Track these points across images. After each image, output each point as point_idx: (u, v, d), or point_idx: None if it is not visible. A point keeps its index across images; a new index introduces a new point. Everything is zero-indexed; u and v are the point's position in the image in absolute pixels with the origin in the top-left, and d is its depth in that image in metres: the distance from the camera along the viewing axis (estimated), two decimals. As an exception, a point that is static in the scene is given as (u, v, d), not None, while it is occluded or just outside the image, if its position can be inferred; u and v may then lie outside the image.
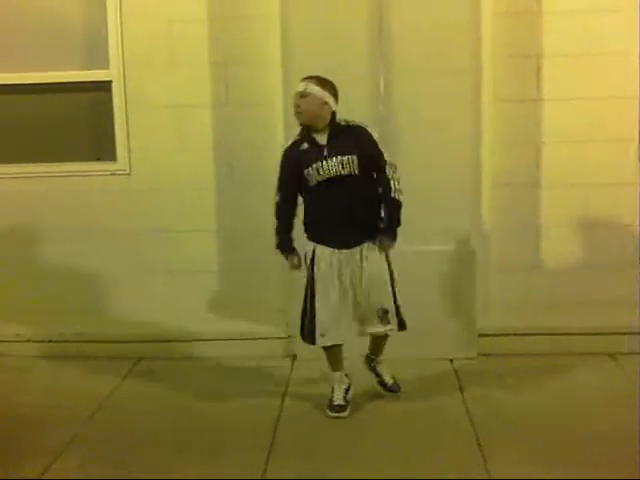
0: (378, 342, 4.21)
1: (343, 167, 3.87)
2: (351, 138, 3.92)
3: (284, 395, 4.38)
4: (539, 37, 4.92)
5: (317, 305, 3.97)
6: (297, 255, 4.08)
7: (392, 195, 3.92)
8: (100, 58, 5.14)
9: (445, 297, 4.82)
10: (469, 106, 4.73)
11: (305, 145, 3.94)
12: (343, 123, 3.95)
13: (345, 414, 4.07)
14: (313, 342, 4.04)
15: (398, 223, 3.96)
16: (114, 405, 4.32)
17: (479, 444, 3.66)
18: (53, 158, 5.27)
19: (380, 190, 3.95)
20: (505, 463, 3.45)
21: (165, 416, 4.15)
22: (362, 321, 4.05)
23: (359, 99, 4.70)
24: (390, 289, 4.00)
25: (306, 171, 3.91)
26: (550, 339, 4.83)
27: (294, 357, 4.95)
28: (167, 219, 5.26)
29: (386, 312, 4.00)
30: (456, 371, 4.66)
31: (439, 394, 4.33)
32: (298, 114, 3.91)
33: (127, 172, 5.23)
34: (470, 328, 4.86)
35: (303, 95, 3.88)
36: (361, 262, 3.96)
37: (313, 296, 3.98)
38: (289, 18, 4.77)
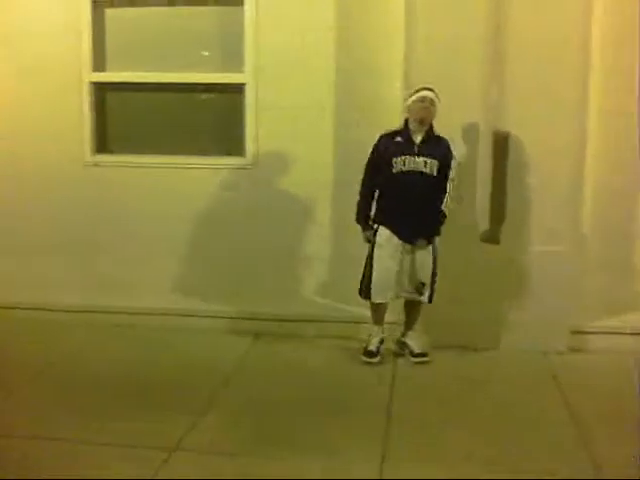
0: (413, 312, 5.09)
1: (425, 166, 4.77)
2: (439, 146, 4.83)
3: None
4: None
5: (374, 270, 4.87)
6: (371, 230, 4.97)
7: (441, 207, 4.81)
8: (236, 63, 5.68)
9: (544, 294, 5.21)
10: (575, 117, 5.11)
11: (399, 138, 4.84)
12: (435, 133, 4.85)
13: (375, 360, 5.01)
14: (369, 297, 4.94)
15: (438, 232, 4.90)
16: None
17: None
18: (188, 151, 5.85)
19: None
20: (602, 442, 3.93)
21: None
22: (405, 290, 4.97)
23: (471, 108, 5.15)
24: (430, 270, 4.89)
25: (394, 159, 4.77)
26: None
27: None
28: (287, 209, 5.75)
29: (423, 285, 4.89)
30: (550, 363, 5.10)
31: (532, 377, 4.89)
32: (425, 117, 4.79)
33: (254, 166, 5.75)
34: (563, 324, 5.24)
35: (432, 104, 4.77)
36: (413, 249, 4.90)
37: (372, 264, 4.88)
38: (413, 31, 5.22)
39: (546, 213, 5.17)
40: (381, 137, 4.88)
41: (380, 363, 5.05)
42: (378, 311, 5.09)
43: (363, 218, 5.00)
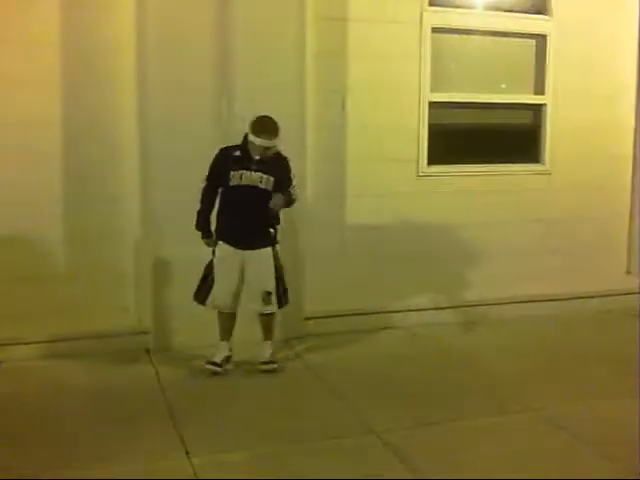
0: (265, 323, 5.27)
1: (261, 181, 4.95)
2: (277, 164, 5.01)
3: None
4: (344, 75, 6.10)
5: (215, 282, 5.06)
6: (211, 236, 5.07)
7: (292, 195, 5.07)
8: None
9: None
10: (297, 130, 5.70)
11: (238, 152, 4.99)
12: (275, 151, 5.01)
13: (218, 370, 5.09)
14: (203, 303, 5.12)
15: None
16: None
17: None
18: None
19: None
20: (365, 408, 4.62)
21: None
22: (251, 301, 5.13)
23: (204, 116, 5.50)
24: (274, 278, 5.08)
25: (232, 173, 4.94)
26: (356, 318, 6.08)
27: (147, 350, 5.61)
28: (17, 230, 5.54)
29: (269, 294, 5.08)
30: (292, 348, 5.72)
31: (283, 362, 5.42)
32: (262, 155, 4.95)
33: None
34: (298, 313, 5.87)
35: (268, 149, 4.95)
36: (254, 257, 5.05)
37: (212, 277, 5.06)
38: (144, 44, 5.43)
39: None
40: (221, 150, 5.01)
41: (224, 374, 5.12)
42: (223, 325, 5.19)
43: (203, 225, 5.08)
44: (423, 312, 6.19)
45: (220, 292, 5.09)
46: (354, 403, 4.68)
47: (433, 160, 6.52)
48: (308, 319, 5.95)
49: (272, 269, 5.09)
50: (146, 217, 5.62)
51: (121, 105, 5.57)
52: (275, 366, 5.22)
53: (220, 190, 5.06)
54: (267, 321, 5.26)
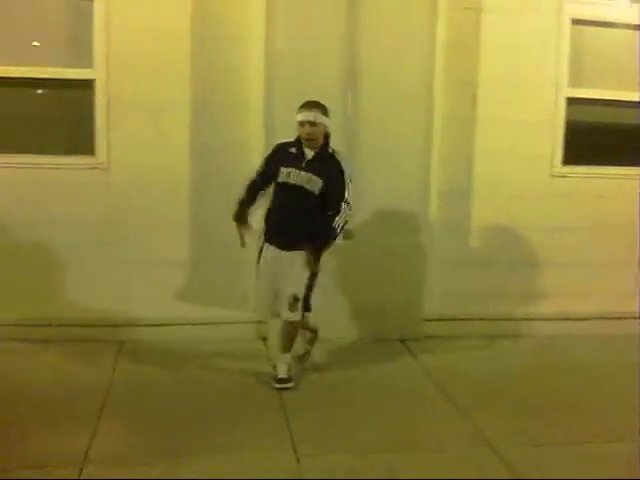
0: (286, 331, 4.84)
1: (308, 182, 4.59)
2: (327, 165, 4.61)
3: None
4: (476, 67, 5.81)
5: (260, 290, 4.83)
6: (249, 229, 4.76)
7: (333, 225, 4.54)
8: (85, 57, 5.42)
9: (398, 286, 5.58)
10: (424, 123, 5.54)
11: (293, 150, 4.67)
12: (330, 150, 4.66)
13: (290, 385, 4.74)
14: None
15: (324, 248, 4.62)
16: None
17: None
18: (35, 150, 5.45)
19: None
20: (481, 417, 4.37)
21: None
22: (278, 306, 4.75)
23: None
24: (304, 283, 4.64)
25: (282, 168, 4.64)
26: (480, 323, 5.80)
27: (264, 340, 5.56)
28: (142, 213, 5.61)
29: (296, 300, 4.65)
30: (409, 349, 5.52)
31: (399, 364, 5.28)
32: (311, 141, 4.60)
33: (105, 167, 5.54)
34: (418, 313, 5.67)
35: (314, 125, 4.56)
36: (290, 260, 4.65)
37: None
38: (273, 37, 5.36)
39: (398, 210, 5.54)
40: (278, 145, 4.75)
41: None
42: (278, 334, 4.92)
43: (239, 215, 4.76)
44: (550, 321, 5.86)
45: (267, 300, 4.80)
46: (471, 413, 4.45)
47: (569, 160, 6.12)
48: (428, 320, 5.73)
49: (305, 274, 4.64)
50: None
51: (249, 96, 5.53)
52: (291, 385, 4.76)
53: (272, 188, 4.77)
54: (289, 331, 4.80)
